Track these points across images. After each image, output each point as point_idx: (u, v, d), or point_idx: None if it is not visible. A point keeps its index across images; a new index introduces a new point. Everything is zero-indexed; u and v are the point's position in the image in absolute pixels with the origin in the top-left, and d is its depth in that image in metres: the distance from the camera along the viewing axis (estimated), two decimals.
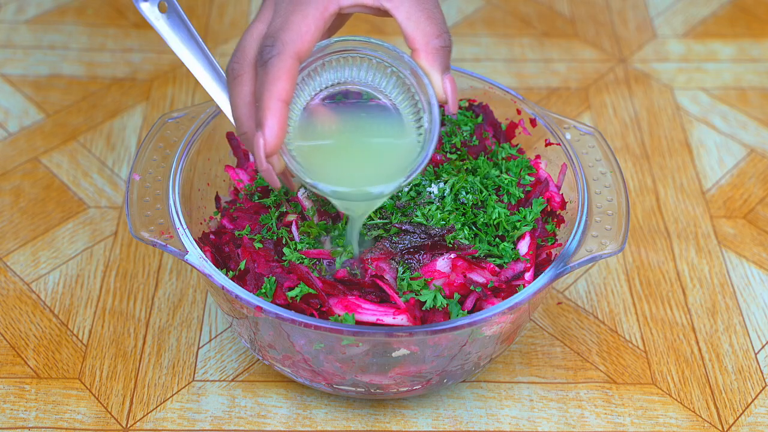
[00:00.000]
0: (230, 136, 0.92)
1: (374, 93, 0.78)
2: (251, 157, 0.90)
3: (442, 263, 0.79)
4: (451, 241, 0.80)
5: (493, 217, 0.82)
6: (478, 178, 0.84)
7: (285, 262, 0.80)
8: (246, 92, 0.73)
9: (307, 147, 0.77)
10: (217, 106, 0.88)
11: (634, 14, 1.31)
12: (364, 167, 0.78)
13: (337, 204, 0.79)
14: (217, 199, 0.92)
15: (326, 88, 0.77)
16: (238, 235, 0.83)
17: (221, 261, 0.83)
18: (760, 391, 0.89)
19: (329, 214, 0.83)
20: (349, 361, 0.79)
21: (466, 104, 0.93)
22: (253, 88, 0.73)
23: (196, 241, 0.80)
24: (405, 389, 0.83)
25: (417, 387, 0.83)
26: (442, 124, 0.88)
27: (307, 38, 0.71)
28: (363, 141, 0.79)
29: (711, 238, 1.02)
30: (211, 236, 0.85)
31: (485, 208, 0.83)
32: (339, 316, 0.76)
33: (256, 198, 0.86)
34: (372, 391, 0.82)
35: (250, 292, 0.78)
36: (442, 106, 0.76)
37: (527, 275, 0.80)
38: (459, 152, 0.89)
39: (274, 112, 0.70)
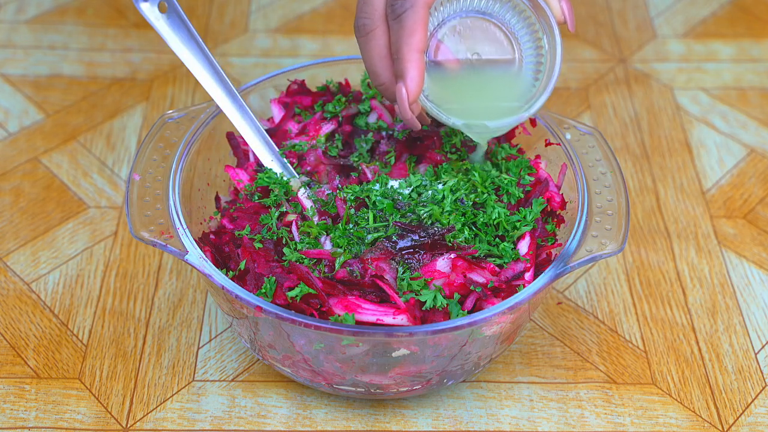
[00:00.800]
0: (230, 136, 0.92)
1: (490, 19, 0.80)
2: (251, 157, 0.90)
3: (442, 263, 0.79)
4: (451, 241, 0.80)
5: (493, 217, 0.82)
6: (478, 178, 0.84)
7: (285, 262, 0.80)
8: (381, 45, 0.77)
9: (436, 87, 0.81)
10: (217, 106, 0.88)
11: (634, 14, 1.31)
12: (492, 99, 0.83)
13: (467, 132, 0.83)
14: (217, 199, 0.92)
15: (443, 21, 0.80)
16: (238, 235, 0.83)
17: (221, 261, 0.83)
18: (760, 391, 0.89)
19: (329, 214, 0.83)
20: (349, 361, 0.79)
21: None
22: (386, 41, 0.76)
23: (196, 241, 0.80)
24: (405, 389, 0.83)
25: (417, 387, 0.83)
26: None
27: None
28: (486, 74, 0.82)
29: (711, 238, 1.02)
30: (211, 236, 0.85)
31: (485, 208, 0.83)
32: (339, 316, 0.76)
33: (256, 198, 0.86)
34: (372, 391, 0.82)
35: (250, 292, 0.78)
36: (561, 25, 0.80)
37: (527, 275, 0.80)
38: (459, 152, 0.89)
39: (414, 64, 0.75)
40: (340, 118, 0.92)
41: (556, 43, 0.80)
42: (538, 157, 0.90)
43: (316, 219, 0.83)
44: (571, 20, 0.79)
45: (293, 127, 0.91)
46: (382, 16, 0.76)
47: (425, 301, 0.77)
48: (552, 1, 0.79)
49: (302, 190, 0.85)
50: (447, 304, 0.77)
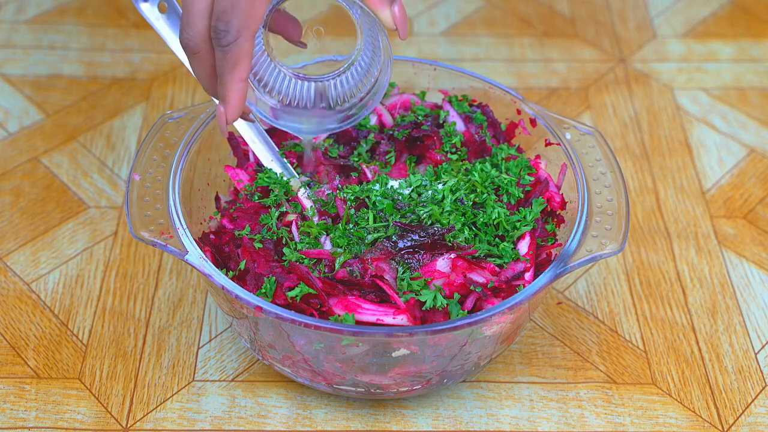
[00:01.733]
0: (230, 136, 0.92)
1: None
2: (251, 157, 0.90)
3: (442, 263, 0.79)
4: (451, 241, 0.80)
5: (493, 217, 0.82)
6: (478, 178, 0.84)
7: (285, 262, 0.80)
8: (207, 66, 0.77)
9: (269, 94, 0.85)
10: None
11: (634, 14, 1.31)
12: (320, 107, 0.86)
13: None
14: (217, 199, 0.92)
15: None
16: (238, 235, 0.83)
17: (221, 261, 0.83)
18: (760, 391, 0.89)
19: (329, 214, 0.83)
20: (349, 361, 0.79)
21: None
22: (212, 62, 0.76)
23: (196, 241, 0.80)
24: (405, 389, 0.83)
25: (417, 387, 0.83)
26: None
27: (259, 16, 0.74)
28: (321, 80, 0.86)
29: (711, 238, 1.02)
30: (211, 236, 0.85)
31: (485, 208, 0.83)
32: (339, 316, 0.76)
33: (256, 198, 0.86)
34: (372, 391, 0.82)
35: (250, 292, 0.78)
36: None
37: (527, 275, 0.80)
38: (459, 152, 0.89)
39: (235, 93, 0.76)
40: None
41: (385, 54, 0.79)
42: (538, 157, 0.90)
43: (316, 219, 0.83)
44: (402, 28, 0.76)
45: None
46: (205, 39, 0.75)
47: (425, 301, 0.77)
48: (383, 15, 0.76)
49: (302, 190, 0.85)
50: (447, 304, 0.77)
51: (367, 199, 0.83)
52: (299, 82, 0.85)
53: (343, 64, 0.84)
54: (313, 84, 0.85)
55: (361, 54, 0.82)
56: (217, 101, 0.78)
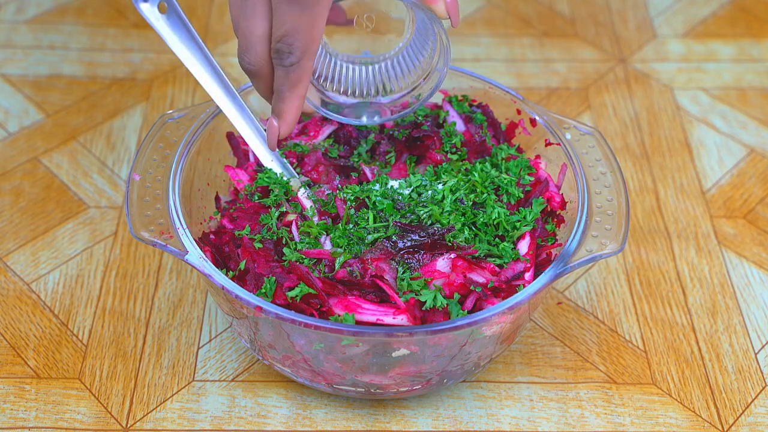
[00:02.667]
0: (230, 136, 0.92)
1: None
2: (251, 157, 0.90)
3: (442, 263, 0.79)
4: (451, 241, 0.80)
5: (493, 217, 0.82)
6: (478, 178, 0.84)
7: (285, 262, 0.80)
8: (267, 85, 0.80)
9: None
10: (217, 106, 0.88)
11: (634, 14, 1.31)
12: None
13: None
14: (217, 199, 0.92)
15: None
16: (238, 235, 0.83)
17: (221, 261, 0.83)
18: (760, 391, 0.89)
19: (329, 214, 0.83)
20: (349, 361, 0.79)
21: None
22: (273, 80, 0.79)
23: (196, 241, 0.80)
24: (405, 389, 0.83)
25: (417, 387, 0.83)
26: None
27: (320, 34, 0.75)
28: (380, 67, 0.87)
29: (711, 238, 1.02)
30: (211, 236, 0.85)
31: (485, 208, 0.83)
32: (339, 316, 0.76)
33: (256, 198, 0.86)
34: (372, 391, 0.82)
35: (250, 292, 0.78)
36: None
37: (527, 275, 0.80)
38: (459, 152, 0.89)
39: (293, 109, 0.79)
40: None
41: (440, 41, 0.81)
42: (538, 157, 0.90)
43: (316, 219, 0.83)
44: (454, 16, 0.78)
45: None
46: (266, 61, 0.78)
47: (425, 301, 0.77)
48: (437, 8, 0.78)
49: (302, 190, 0.85)
50: (447, 304, 0.77)
51: (367, 199, 0.83)
52: (356, 67, 0.86)
53: (395, 46, 0.85)
54: (369, 69, 0.86)
55: (413, 38, 0.84)
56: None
